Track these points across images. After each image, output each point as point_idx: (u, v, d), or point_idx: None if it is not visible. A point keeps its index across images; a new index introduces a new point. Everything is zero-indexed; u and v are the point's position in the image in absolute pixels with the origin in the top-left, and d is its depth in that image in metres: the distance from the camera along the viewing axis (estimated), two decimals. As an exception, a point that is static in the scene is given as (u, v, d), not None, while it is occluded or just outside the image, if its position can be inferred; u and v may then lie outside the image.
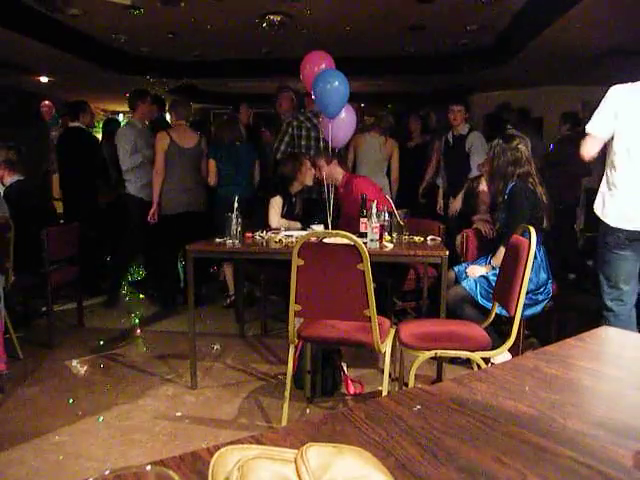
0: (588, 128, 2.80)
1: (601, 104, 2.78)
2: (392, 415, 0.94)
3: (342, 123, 3.72)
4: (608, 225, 2.81)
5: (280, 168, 4.28)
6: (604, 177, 2.86)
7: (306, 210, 4.36)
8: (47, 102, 7.25)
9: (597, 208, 2.89)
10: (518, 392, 1.04)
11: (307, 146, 4.68)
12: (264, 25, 5.24)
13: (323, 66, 3.63)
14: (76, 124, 5.37)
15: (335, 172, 4.03)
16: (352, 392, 3.16)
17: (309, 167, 4.14)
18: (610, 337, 1.39)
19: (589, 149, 2.81)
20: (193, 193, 4.81)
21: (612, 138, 2.77)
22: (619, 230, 2.78)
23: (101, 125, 8.68)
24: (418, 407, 0.97)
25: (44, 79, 7.49)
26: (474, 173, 4.91)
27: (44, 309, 4.25)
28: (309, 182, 4.23)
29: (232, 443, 0.74)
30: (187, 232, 4.41)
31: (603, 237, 2.86)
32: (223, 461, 0.60)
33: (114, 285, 5.23)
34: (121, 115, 10.67)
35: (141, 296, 5.45)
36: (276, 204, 4.02)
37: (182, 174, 4.74)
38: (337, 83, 3.53)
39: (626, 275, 2.84)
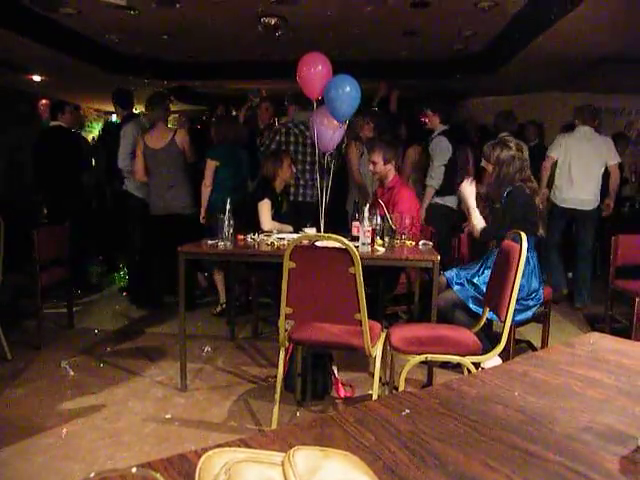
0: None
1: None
2: (381, 419, 0.94)
3: (317, 128, 3.72)
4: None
5: (262, 169, 4.28)
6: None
7: (296, 212, 4.37)
8: (45, 101, 7.20)
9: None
10: (507, 397, 1.05)
11: (295, 151, 4.69)
12: (259, 28, 5.24)
13: (320, 68, 3.63)
14: (57, 123, 5.38)
15: (389, 173, 4.02)
16: (343, 395, 3.15)
17: (289, 165, 4.17)
18: (599, 342, 1.40)
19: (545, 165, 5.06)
20: (171, 195, 4.64)
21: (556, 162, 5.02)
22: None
23: (96, 125, 8.66)
24: (407, 411, 0.97)
25: (37, 78, 7.45)
26: (430, 181, 4.82)
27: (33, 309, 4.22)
28: (290, 179, 4.25)
29: (220, 446, 0.74)
30: (169, 235, 4.37)
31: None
32: (210, 464, 0.60)
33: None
34: (114, 116, 10.62)
35: (124, 295, 5.43)
36: (266, 207, 4.00)
37: (158, 176, 4.65)
38: (349, 88, 3.57)
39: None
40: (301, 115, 4.74)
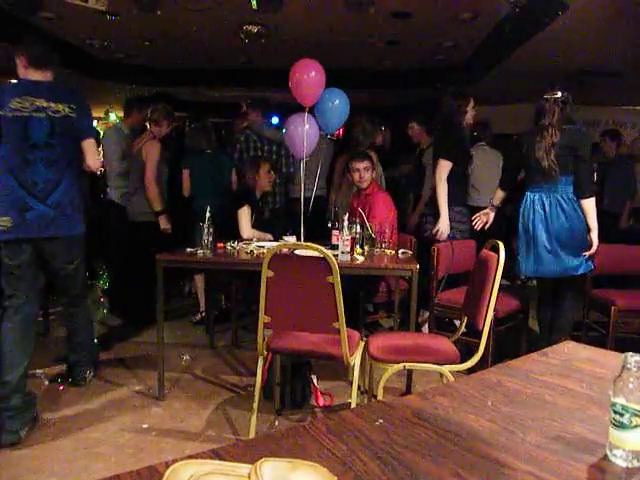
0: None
1: None
2: (354, 429, 0.94)
3: (307, 135, 3.74)
4: None
5: (242, 177, 4.28)
6: None
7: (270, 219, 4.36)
8: None
9: None
10: (480, 406, 1.05)
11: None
12: (242, 36, 5.25)
13: (313, 74, 3.65)
14: None
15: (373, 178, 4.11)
16: (322, 404, 3.14)
17: (267, 171, 4.13)
18: (573, 352, 1.42)
19: None
20: (134, 200, 4.61)
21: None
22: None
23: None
24: (380, 421, 0.97)
25: (14, 81, 7.35)
26: (426, 189, 4.78)
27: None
28: (268, 188, 4.22)
29: (190, 457, 0.73)
30: (143, 243, 4.37)
31: None
32: (176, 476, 0.59)
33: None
34: (95, 122, 10.53)
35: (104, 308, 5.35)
36: (245, 214, 3.97)
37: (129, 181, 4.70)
38: (338, 101, 3.69)
39: None
40: (258, 124, 4.82)
